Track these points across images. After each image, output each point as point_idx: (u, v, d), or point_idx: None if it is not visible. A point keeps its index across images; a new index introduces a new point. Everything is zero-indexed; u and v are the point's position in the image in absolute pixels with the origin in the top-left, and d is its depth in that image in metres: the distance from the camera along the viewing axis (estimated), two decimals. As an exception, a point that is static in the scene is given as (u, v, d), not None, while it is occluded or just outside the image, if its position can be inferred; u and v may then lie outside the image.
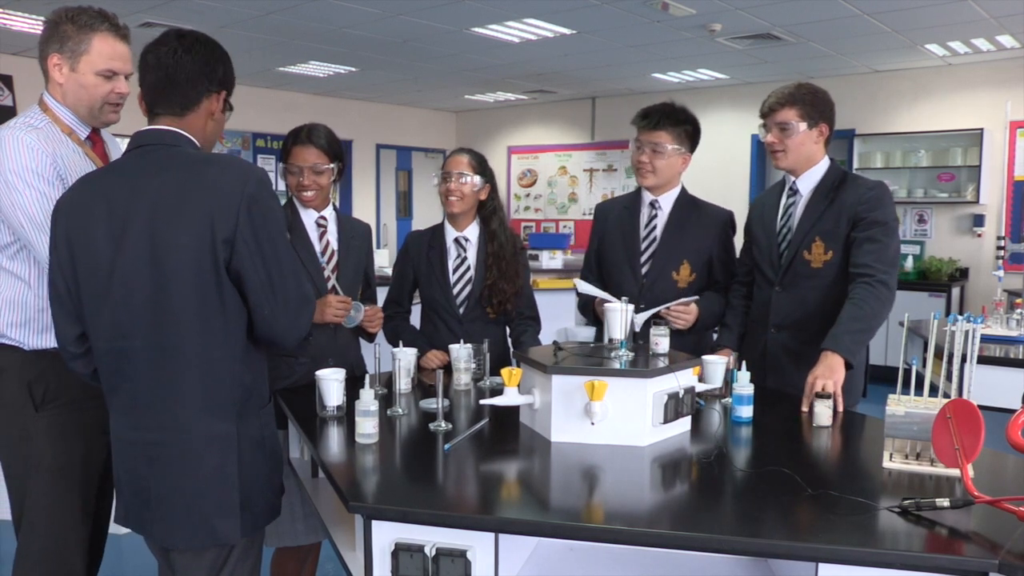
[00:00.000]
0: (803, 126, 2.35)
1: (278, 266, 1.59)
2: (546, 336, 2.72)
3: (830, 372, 2.09)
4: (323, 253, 2.42)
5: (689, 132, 2.53)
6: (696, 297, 2.47)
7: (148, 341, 1.56)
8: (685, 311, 2.41)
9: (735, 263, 2.63)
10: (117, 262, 1.55)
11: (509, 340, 2.75)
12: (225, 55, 1.73)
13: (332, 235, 2.45)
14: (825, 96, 2.40)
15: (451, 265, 2.63)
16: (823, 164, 2.42)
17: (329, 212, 2.46)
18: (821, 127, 2.38)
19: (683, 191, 2.62)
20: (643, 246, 2.57)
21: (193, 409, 1.58)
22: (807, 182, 2.42)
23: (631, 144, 2.63)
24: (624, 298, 2.09)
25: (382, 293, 2.71)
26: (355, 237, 2.51)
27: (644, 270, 2.55)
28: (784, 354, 2.40)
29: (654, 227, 2.57)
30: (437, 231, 2.68)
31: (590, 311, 2.62)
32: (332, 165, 2.39)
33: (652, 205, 2.58)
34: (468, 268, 2.63)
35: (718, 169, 8.45)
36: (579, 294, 2.56)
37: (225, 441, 1.60)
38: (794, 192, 2.45)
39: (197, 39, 1.69)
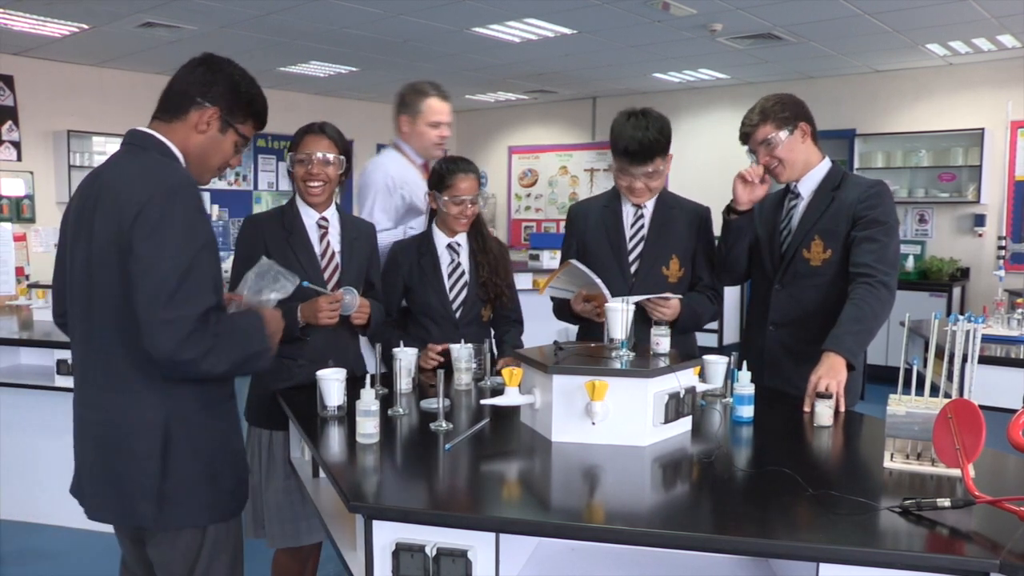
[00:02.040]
0: (783, 134, 2.35)
1: (152, 272, 1.54)
2: (547, 336, 2.72)
3: (832, 373, 2.08)
4: (323, 256, 2.40)
5: (668, 136, 2.43)
6: (675, 296, 2.41)
7: (87, 325, 1.68)
8: (665, 304, 2.37)
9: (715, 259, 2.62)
10: (74, 248, 1.68)
11: (493, 342, 2.75)
12: (232, 78, 1.75)
13: (333, 237, 2.43)
14: (791, 98, 2.40)
15: (446, 271, 2.62)
16: (823, 166, 2.42)
17: (331, 213, 2.44)
18: (801, 127, 2.37)
19: (664, 188, 2.59)
20: (631, 244, 2.54)
21: (123, 394, 1.65)
22: (808, 185, 2.43)
23: (614, 171, 2.51)
24: (625, 298, 2.08)
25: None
26: (358, 238, 2.49)
27: (633, 268, 2.52)
28: (782, 352, 2.40)
29: (641, 225, 2.55)
30: (425, 239, 2.66)
31: (567, 313, 2.59)
32: (341, 157, 2.38)
33: (636, 204, 2.56)
34: (463, 272, 2.63)
35: (718, 169, 8.40)
36: (553, 299, 2.60)
37: (151, 429, 1.64)
38: (796, 195, 2.45)
39: (215, 60, 1.77)
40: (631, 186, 2.47)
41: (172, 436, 1.65)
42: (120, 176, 1.65)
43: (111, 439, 1.66)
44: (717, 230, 2.58)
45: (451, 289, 2.61)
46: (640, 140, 2.38)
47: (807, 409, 2.07)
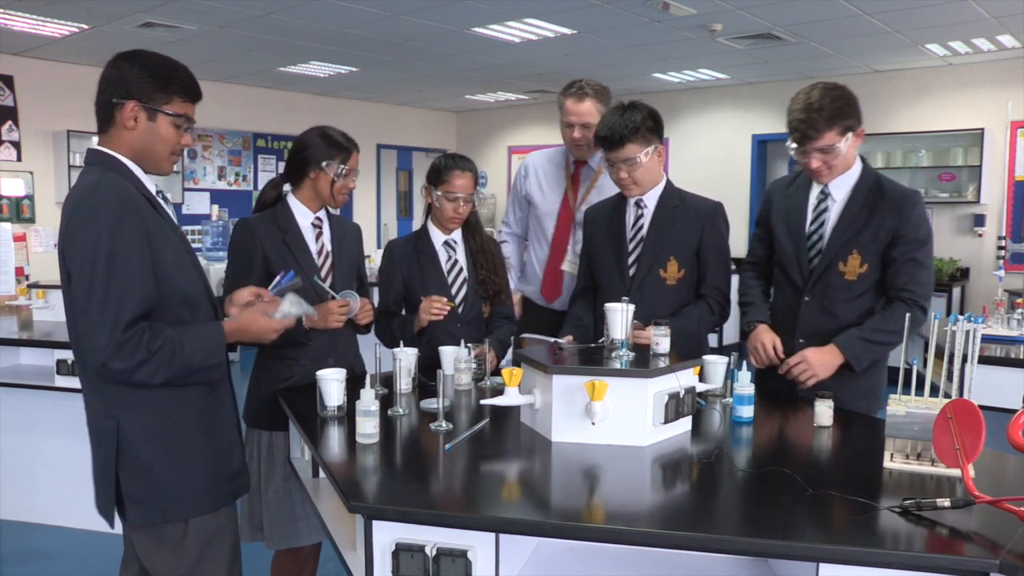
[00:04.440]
0: (845, 141, 2.20)
1: (81, 287, 1.61)
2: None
3: (822, 368, 2.11)
4: (319, 254, 2.41)
5: (651, 127, 2.41)
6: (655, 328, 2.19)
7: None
8: (641, 335, 2.26)
9: (726, 257, 2.54)
10: None
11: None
12: (137, 66, 1.70)
13: (326, 236, 2.44)
14: (850, 94, 2.23)
15: (444, 268, 2.63)
16: (857, 166, 2.30)
17: (322, 213, 2.46)
18: (859, 132, 2.23)
19: (668, 185, 2.54)
20: (630, 246, 2.52)
21: (88, 402, 1.76)
22: (841, 188, 2.29)
23: (602, 163, 2.52)
24: (625, 298, 2.08)
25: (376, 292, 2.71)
26: (346, 236, 2.51)
27: (632, 271, 2.50)
28: None
29: (640, 226, 2.52)
30: (421, 237, 2.65)
31: None
32: None
33: (637, 204, 2.52)
34: (461, 269, 2.64)
35: (718, 169, 8.46)
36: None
37: (105, 436, 1.71)
38: (826, 196, 2.31)
39: (120, 57, 1.73)
40: (616, 177, 2.47)
41: (124, 443, 1.71)
42: (67, 199, 1.69)
43: (90, 439, 1.79)
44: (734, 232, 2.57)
45: (452, 286, 2.62)
46: (610, 126, 2.39)
47: (781, 371, 2.14)
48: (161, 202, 1.79)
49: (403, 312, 2.70)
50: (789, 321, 2.37)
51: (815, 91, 2.21)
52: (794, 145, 2.24)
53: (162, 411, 1.73)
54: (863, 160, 2.33)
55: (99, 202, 1.62)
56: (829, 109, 2.17)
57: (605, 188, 2.88)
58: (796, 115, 2.21)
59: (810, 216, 2.35)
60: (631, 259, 2.51)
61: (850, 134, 2.21)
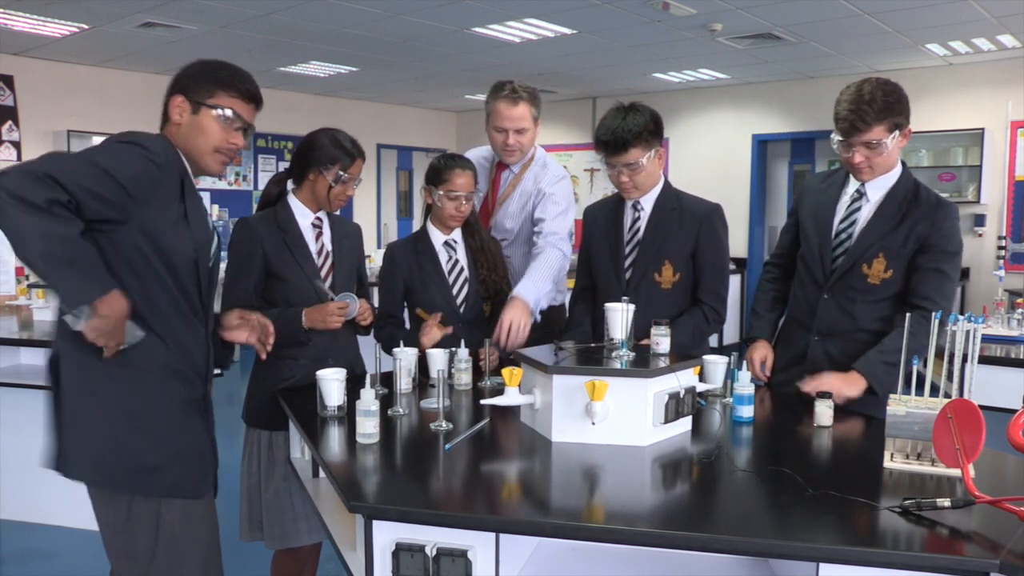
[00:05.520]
0: (893, 138, 2.15)
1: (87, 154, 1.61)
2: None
3: (847, 386, 2.06)
4: (319, 254, 2.41)
5: (652, 129, 2.37)
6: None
7: None
8: (641, 345, 2.23)
9: (724, 261, 2.52)
10: None
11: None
12: (193, 65, 1.81)
13: (326, 236, 2.45)
14: (902, 91, 2.18)
15: (445, 268, 2.63)
16: (897, 168, 2.25)
17: (322, 213, 2.46)
18: (906, 131, 2.18)
19: (666, 187, 2.51)
20: (627, 249, 2.50)
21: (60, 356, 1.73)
22: (879, 189, 2.24)
23: (602, 166, 2.48)
24: (625, 298, 2.08)
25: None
26: (346, 236, 2.51)
27: (628, 274, 2.48)
28: (827, 362, 2.29)
29: (637, 229, 2.49)
30: (421, 238, 2.65)
31: None
32: None
33: (634, 207, 2.50)
34: (462, 269, 2.64)
35: (718, 169, 8.47)
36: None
37: (51, 364, 1.72)
38: (861, 195, 2.27)
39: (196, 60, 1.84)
40: (617, 180, 2.43)
41: (62, 375, 1.69)
42: None
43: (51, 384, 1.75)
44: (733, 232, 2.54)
45: (453, 286, 2.62)
46: (613, 130, 2.35)
47: (806, 389, 2.07)
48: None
49: (404, 313, 2.70)
50: (807, 317, 2.35)
51: (867, 84, 2.16)
52: (839, 138, 2.19)
53: (145, 382, 1.70)
54: (904, 164, 2.28)
55: (126, 134, 1.67)
56: (881, 103, 2.12)
57: (525, 193, 2.85)
58: (845, 106, 2.15)
59: (841, 214, 2.31)
60: (627, 262, 2.50)
61: (897, 132, 2.16)
